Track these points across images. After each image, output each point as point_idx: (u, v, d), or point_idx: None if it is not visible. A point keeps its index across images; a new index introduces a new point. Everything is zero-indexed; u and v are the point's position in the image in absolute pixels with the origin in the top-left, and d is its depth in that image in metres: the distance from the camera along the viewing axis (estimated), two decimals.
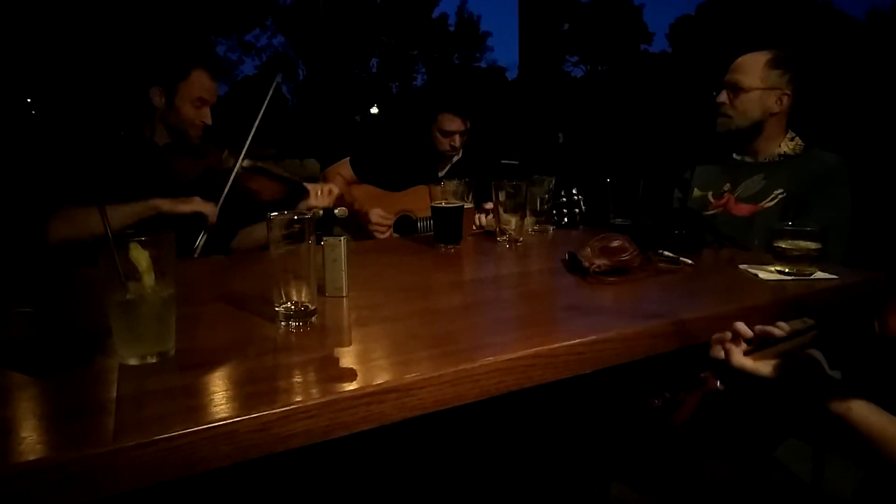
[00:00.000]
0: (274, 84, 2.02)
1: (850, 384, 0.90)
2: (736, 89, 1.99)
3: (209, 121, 2.10)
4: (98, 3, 15.41)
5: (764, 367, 0.94)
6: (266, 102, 2.02)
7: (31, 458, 0.64)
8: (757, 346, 0.96)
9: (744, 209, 1.99)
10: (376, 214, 2.39)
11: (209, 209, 1.87)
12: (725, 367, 0.97)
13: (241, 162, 2.00)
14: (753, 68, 1.98)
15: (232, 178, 1.96)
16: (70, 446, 0.66)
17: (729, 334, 0.99)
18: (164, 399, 0.79)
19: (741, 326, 0.98)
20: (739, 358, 0.95)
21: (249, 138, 2.03)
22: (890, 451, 0.81)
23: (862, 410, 0.86)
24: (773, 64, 1.97)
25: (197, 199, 1.88)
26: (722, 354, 0.99)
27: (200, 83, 2.06)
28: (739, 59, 2.04)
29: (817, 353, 0.92)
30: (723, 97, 2.03)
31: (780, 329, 0.96)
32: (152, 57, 2.09)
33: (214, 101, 2.12)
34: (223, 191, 1.95)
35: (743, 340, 0.98)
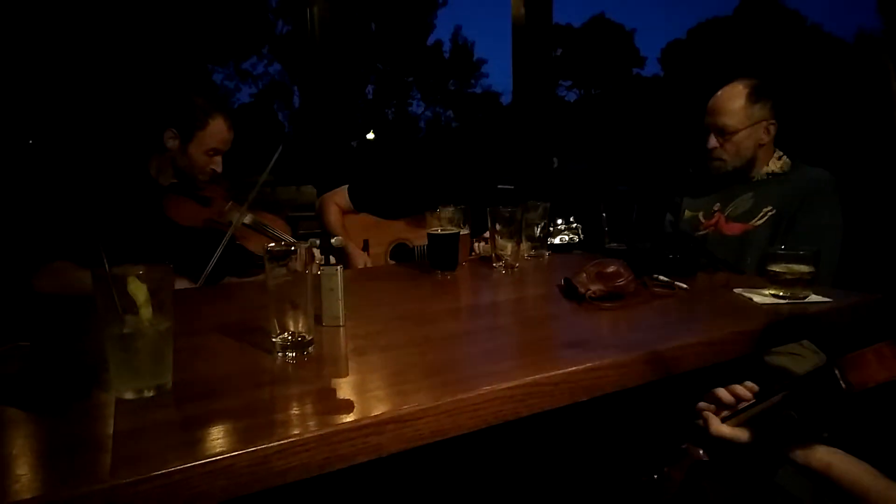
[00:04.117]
0: (277, 153, 1.99)
1: (828, 439, 0.91)
2: (724, 133, 1.98)
3: (220, 169, 2.07)
4: (95, 32, 15.44)
5: (742, 432, 0.96)
6: (270, 165, 1.96)
7: (27, 496, 0.64)
8: (733, 413, 0.99)
9: (734, 228, 2.00)
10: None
11: None
12: (707, 436, 0.98)
13: (241, 219, 2.00)
14: (735, 108, 1.97)
15: (226, 239, 1.92)
16: (66, 484, 0.66)
17: (711, 405, 1.02)
18: (162, 434, 0.79)
19: (722, 393, 1.01)
20: (717, 426, 0.97)
21: (250, 197, 2.01)
22: (874, 502, 0.83)
23: (842, 465, 0.87)
24: (753, 98, 1.96)
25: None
26: (702, 423, 1.01)
27: (218, 134, 2.02)
28: (718, 101, 2.01)
29: (793, 414, 0.94)
30: (713, 142, 2.00)
31: (748, 390, 1.00)
32: (172, 100, 2.04)
33: (228, 149, 2.08)
34: (218, 246, 1.92)
35: (725, 404, 1.01)
